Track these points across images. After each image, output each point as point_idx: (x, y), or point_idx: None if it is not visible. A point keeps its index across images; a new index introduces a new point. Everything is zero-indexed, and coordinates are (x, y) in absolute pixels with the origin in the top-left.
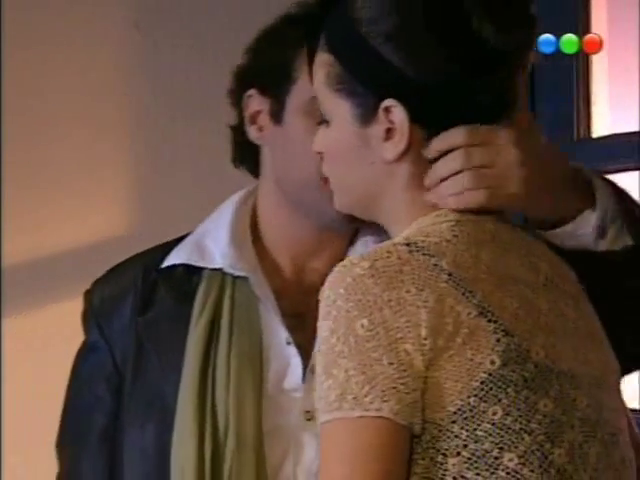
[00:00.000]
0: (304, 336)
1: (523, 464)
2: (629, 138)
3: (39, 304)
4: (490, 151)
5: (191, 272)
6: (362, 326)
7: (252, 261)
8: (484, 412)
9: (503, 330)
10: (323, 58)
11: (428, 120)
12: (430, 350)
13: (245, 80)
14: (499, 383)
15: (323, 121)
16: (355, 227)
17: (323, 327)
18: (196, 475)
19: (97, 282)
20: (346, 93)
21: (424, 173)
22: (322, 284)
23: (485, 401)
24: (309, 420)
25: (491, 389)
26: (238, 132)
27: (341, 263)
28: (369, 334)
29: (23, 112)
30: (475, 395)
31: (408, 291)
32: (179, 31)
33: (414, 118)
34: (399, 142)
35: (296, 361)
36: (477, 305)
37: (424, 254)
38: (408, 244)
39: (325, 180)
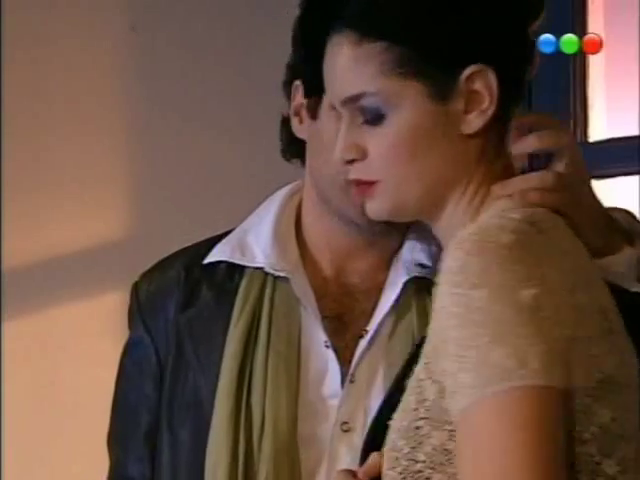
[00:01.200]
0: (343, 340)
1: (621, 472)
2: (626, 142)
3: (38, 307)
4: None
5: (233, 269)
6: (529, 295)
7: (294, 260)
8: (594, 413)
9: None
10: (368, 50)
11: (513, 82)
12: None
13: (292, 70)
14: (611, 386)
15: (368, 121)
16: (382, 233)
17: (474, 296)
18: (228, 477)
19: (143, 277)
20: (413, 73)
21: (500, 145)
22: (363, 286)
23: (597, 401)
24: (346, 431)
25: (604, 390)
26: (286, 125)
27: (485, 235)
28: (536, 304)
29: (19, 115)
30: (590, 395)
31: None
32: (176, 34)
33: (502, 80)
34: (487, 109)
35: (334, 365)
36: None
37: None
38: (533, 223)
39: (353, 183)
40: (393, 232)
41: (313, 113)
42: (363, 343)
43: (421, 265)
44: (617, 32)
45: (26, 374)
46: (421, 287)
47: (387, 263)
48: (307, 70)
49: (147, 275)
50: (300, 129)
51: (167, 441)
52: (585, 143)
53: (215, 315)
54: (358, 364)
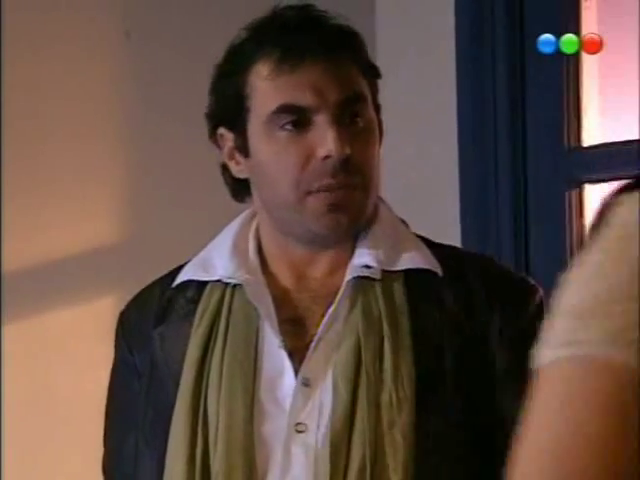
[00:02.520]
0: (301, 342)
1: None
2: (620, 147)
3: (33, 311)
4: None
5: (202, 286)
6: None
7: (252, 269)
8: None
9: None
10: None
11: None
12: None
13: (213, 120)
14: None
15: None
16: (341, 236)
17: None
18: (185, 478)
19: (128, 304)
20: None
21: None
22: (321, 291)
23: None
24: (300, 432)
25: None
26: (227, 170)
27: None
28: None
29: (14, 119)
30: None
31: None
32: (171, 39)
33: None
34: None
35: (288, 367)
36: None
37: None
38: None
39: (303, 198)
40: (345, 239)
41: (245, 151)
42: (312, 345)
43: (366, 266)
44: (611, 34)
45: (24, 378)
46: (366, 287)
47: (344, 269)
48: (231, 111)
49: (130, 303)
50: (240, 170)
51: (140, 451)
52: (579, 148)
53: (182, 327)
54: (308, 366)
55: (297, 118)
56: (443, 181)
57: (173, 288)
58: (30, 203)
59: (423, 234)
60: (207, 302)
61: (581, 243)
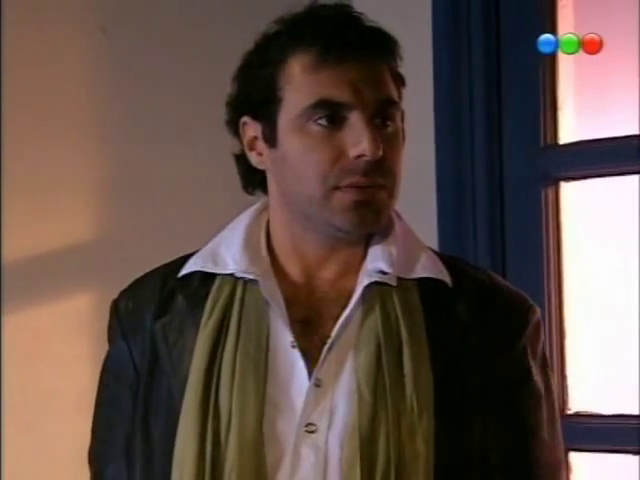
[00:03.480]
0: (311, 343)
1: None
2: (596, 145)
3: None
4: None
5: (207, 278)
6: None
7: (264, 266)
8: None
9: None
10: None
11: None
12: None
13: (237, 108)
14: None
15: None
16: (363, 235)
17: None
18: (195, 473)
19: (122, 294)
20: None
21: None
22: (331, 293)
23: None
24: (310, 432)
25: None
26: (242, 160)
27: None
28: None
29: None
30: None
31: None
32: (145, 35)
33: None
34: None
35: (300, 366)
36: None
37: None
38: None
39: (329, 193)
40: (359, 241)
41: (273, 142)
42: (326, 346)
43: (382, 272)
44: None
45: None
46: (384, 292)
47: (355, 271)
48: (262, 100)
49: (126, 291)
50: (260, 161)
51: (141, 451)
52: (555, 145)
53: (187, 319)
54: (322, 367)
55: (332, 114)
56: (420, 179)
57: (176, 279)
58: (5, 200)
59: None
60: (217, 295)
61: (557, 240)
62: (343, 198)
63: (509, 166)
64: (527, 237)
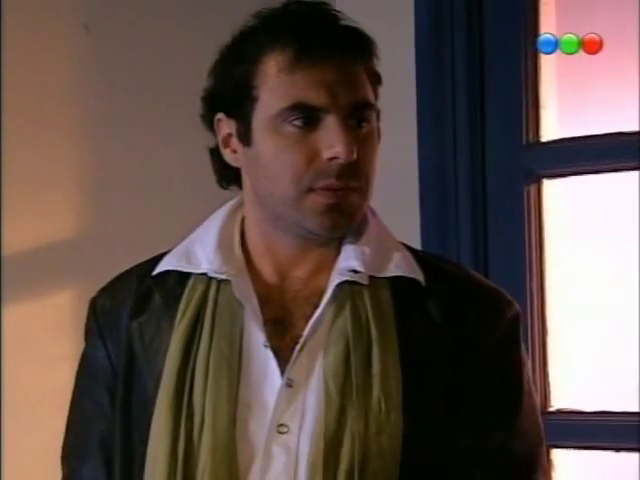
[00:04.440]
0: (283, 342)
1: None
2: (578, 142)
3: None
4: None
5: (182, 277)
6: None
7: (238, 265)
8: None
9: None
10: None
11: None
12: None
13: (211, 104)
14: None
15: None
16: (336, 236)
17: None
18: (167, 472)
19: (100, 292)
20: None
21: None
22: (304, 291)
23: None
24: (282, 433)
25: None
26: (216, 155)
27: None
28: None
29: None
30: None
31: None
32: (129, 33)
33: None
34: None
35: (273, 366)
36: None
37: None
38: None
39: (303, 194)
40: (333, 240)
41: (247, 140)
42: (298, 346)
43: (354, 271)
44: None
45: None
46: (355, 291)
47: (328, 270)
48: (237, 98)
49: (103, 290)
50: (234, 158)
51: (121, 452)
52: (537, 143)
53: (164, 318)
54: (293, 367)
55: (307, 116)
56: (402, 176)
57: (152, 277)
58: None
59: None
60: (191, 294)
61: (539, 237)
62: (316, 201)
63: (492, 163)
64: (509, 234)
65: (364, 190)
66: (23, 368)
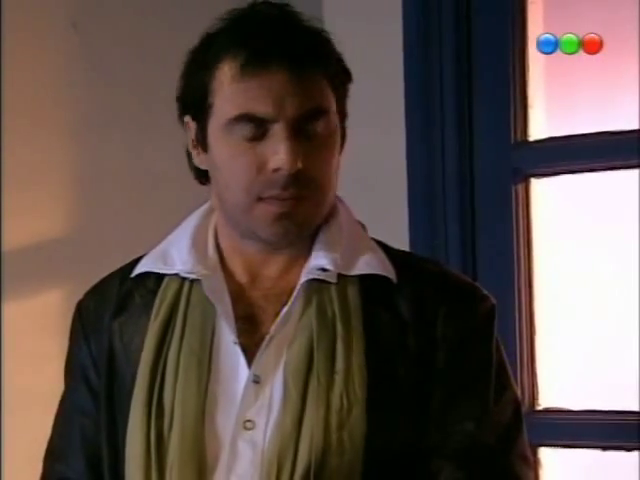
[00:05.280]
0: (253, 340)
1: None
2: (566, 141)
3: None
4: None
5: (160, 278)
6: None
7: (212, 265)
8: None
9: None
10: None
11: None
12: None
13: (181, 106)
14: None
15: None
16: (290, 242)
17: None
18: (143, 469)
19: (85, 295)
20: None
21: None
22: (275, 289)
23: None
24: (248, 429)
25: None
26: (189, 156)
27: None
28: None
29: None
30: None
31: None
32: (117, 32)
33: None
34: None
35: (242, 362)
36: None
37: None
38: None
39: (254, 203)
40: (298, 241)
41: (204, 146)
42: (264, 343)
43: (322, 269)
44: (559, 30)
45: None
46: (323, 289)
47: (300, 267)
48: (196, 103)
49: (88, 293)
50: (200, 161)
51: (108, 450)
52: (525, 142)
53: (142, 318)
54: (259, 364)
55: (256, 125)
56: (390, 176)
57: (132, 279)
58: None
59: (369, 229)
60: (164, 294)
61: (528, 236)
62: (266, 210)
63: (480, 163)
64: (498, 233)
65: (317, 198)
66: (21, 365)
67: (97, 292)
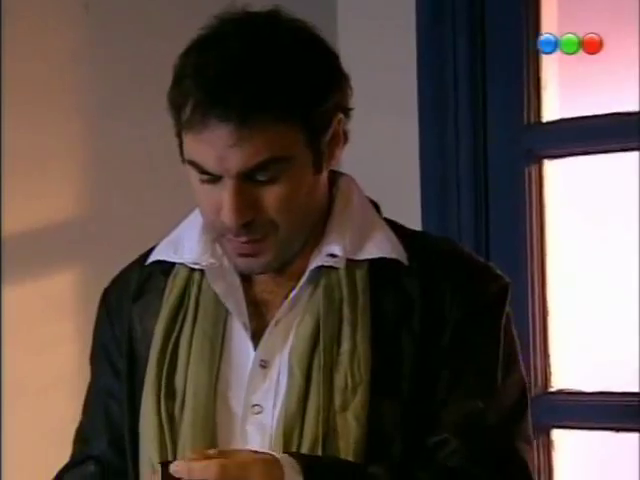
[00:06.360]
0: (262, 325)
1: None
2: (579, 123)
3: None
4: None
5: (173, 264)
6: None
7: (220, 253)
8: None
9: None
10: None
11: None
12: None
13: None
14: None
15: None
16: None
17: None
18: (158, 450)
19: (110, 282)
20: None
21: None
22: (287, 272)
23: None
24: (256, 414)
25: None
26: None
27: None
28: None
29: None
30: None
31: None
32: (128, 12)
33: None
34: None
35: (250, 347)
36: None
37: None
38: None
39: (220, 236)
40: (317, 222)
41: (181, 154)
42: (270, 327)
43: (332, 255)
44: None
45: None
46: (332, 273)
47: (310, 252)
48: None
49: (113, 281)
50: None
51: (129, 429)
52: (538, 123)
53: (157, 301)
54: (265, 348)
55: (206, 173)
56: (403, 157)
57: (150, 265)
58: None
59: (383, 211)
60: (175, 281)
61: (540, 218)
62: (229, 246)
63: (493, 144)
64: (511, 215)
65: (278, 236)
66: (23, 351)
67: (120, 279)
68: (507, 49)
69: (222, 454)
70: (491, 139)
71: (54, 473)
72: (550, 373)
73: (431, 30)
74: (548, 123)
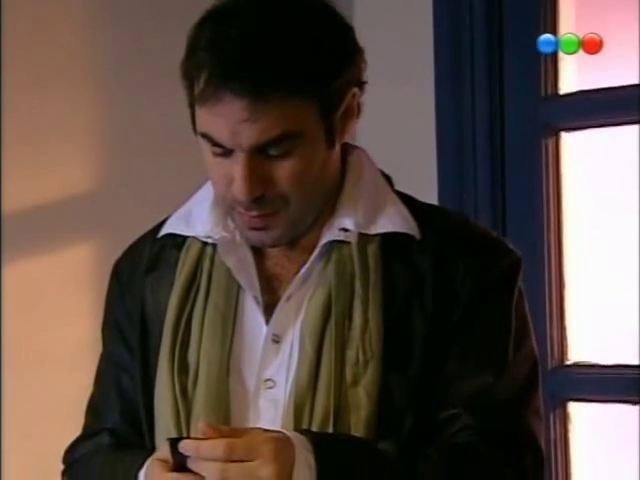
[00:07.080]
0: (274, 299)
1: None
2: (596, 95)
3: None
4: (246, 470)
5: (185, 237)
6: None
7: (232, 228)
8: None
9: None
10: None
11: None
12: None
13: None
14: None
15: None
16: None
17: None
18: (174, 424)
19: (122, 255)
20: None
21: None
22: (299, 246)
23: None
24: (268, 388)
25: None
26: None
27: None
28: None
29: None
30: None
31: None
32: None
33: None
34: None
35: (262, 321)
36: None
37: None
38: None
39: (230, 209)
40: (291, 240)
41: (194, 130)
42: (282, 302)
43: (344, 229)
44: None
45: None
46: (344, 247)
47: (321, 226)
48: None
49: (124, 253)
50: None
51: (143, 402)
52: (555, 95)
53: (170, 273)
54: (277, 322)
55: (219, 146)
56: (419, 129)
57: (161, 238)
58: (4, 151)
59: (399, 183)
60: (187, 254)
61: (557, 191)
62: (240, 219)
63: (510, 117)
64: (527, 188)
65: (288, 211)
66: (26, 326)
67: (131, 251)
68: (524, 20)
69: (233, 432)
70: (508, 111)
71: (67, 444)
72: (566, 346)
73: (447, 6)
74: (565, 95)
